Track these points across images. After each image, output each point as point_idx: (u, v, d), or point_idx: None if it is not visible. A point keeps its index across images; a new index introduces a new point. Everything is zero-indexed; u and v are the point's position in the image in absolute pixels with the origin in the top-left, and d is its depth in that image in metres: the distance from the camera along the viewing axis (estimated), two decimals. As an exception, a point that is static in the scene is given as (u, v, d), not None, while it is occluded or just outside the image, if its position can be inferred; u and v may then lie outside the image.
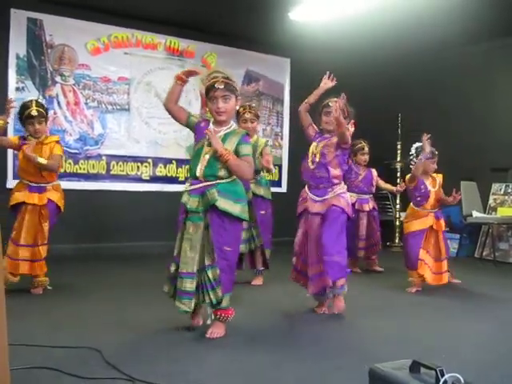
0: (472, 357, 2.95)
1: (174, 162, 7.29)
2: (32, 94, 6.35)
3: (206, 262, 3.09)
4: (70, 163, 6.59)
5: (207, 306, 3.18)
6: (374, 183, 6.00)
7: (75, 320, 3.54)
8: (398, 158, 8.03)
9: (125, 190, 6.98)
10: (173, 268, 3.18)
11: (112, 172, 6.93)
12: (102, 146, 6.87)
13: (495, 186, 7.36)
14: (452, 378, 1.78)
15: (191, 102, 7.34)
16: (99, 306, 3.96)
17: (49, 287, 4.39)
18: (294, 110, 8.24)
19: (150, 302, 4.05)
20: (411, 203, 4.96)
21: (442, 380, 1.77)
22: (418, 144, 4.87)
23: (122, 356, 2.75)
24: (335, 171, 3.77)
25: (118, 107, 7.00)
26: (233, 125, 3.25)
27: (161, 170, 7.27)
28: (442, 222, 4.90)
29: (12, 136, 4.42)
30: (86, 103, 6.78)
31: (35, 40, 6.43)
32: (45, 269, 4.34)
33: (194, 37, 7.46)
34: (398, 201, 8.00)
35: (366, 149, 5.94)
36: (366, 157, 5.96)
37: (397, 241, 7.96)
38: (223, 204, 3.09)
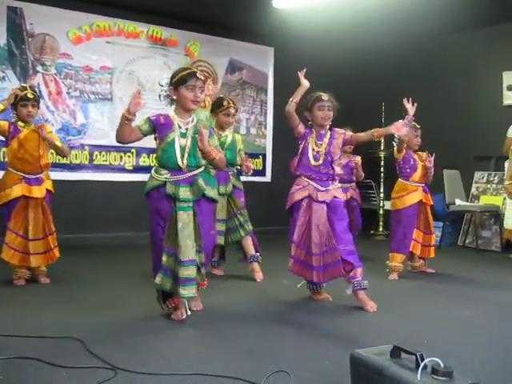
0: (454, 342, 2.98)
1: (157, 151, 7.25)
2: (13, 83, 6.26)
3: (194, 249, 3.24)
4: (52, 153, 6.51)
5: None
6: (355, 171, 5.90)
7: (57, 310, 3.52)
8: (382, 147, 8.05)
9: (108, 180, 6.93)
10: (164, 258, 3.19)
11: (95, 162, 6.87)
12: (85, 136, 6.81)
13: (478, 175, 7.41)
14: (431, 363, 1.80)
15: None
16: (81, 296, 3.95)
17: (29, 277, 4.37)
18: (278, 99, 8.28)
19: (133, 292, 4.05)
20: (399, 178, 4.99)
21: (421, 364, 1.78)
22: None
23: (104, 345, 2.75)
24: (339, 170, 3.91)
25: (101, 97, 6.93)
26: (193, 116, 3.34)
27: (144, 160, 7.22)
28: (429, 196, 4.99)
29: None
30: (68, 93, 6.71)
31: (15, 29, 6.34)
32: (57, 255, 4.38)
33: (177, 25, 7.40)
34: (381, 189, 8.04)
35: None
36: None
37: (381, 229, 8.00)
38: (209, 191, 3.28)
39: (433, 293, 4.35)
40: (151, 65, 7.24)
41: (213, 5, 6.75)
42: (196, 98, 3.24)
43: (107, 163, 6.96)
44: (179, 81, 3.24)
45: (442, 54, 7.75)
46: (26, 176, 4.23)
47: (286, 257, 3.97)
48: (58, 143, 4.34)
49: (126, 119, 3.17)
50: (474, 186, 7.40)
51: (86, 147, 6.80)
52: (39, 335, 2.89)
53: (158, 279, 3.20)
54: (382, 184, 8.06)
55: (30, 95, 4.23)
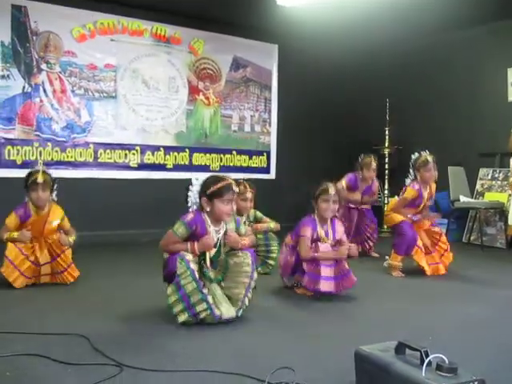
0: (459, 339, 2.98)
1: (161, 149, 7.26)
2: (17, 81, 6.29)
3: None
4: (57, 151, 6.54)
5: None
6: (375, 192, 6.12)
7: (63, 307, 3.54)
8: (387, 144, 8.04)
9: (113, 178, 6.93)
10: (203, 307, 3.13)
11: (99, 160, 6.88)
12: (89, 134, 6.81)
13: (482, 171, 7.39)
14: (436, 359, 1.80)
15: (178, 88, 7.33)
16: (87, 293, 3.96)
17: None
18: (282, 97, 8.29)
19: (138, 290, 4.06)
20: (397, 202, 5.01)
21: (426, 360, 1.78)
22: (416, 155, 4.91)
23: (110, 342, 2.76)
24: None
25: (105, 94, 6.94)
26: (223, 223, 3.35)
27: (149, 158, 7.22)
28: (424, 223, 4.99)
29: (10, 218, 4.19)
30: (73, 91, 6.71)
31: (20, 27, 6.35)
32: (70, 278, 4.27)
33: (181, 23, 7.39)
34: (386, 186, 8.03)
35: (374, 165, 5.89)
36: (373, 174, 5.94)
37: (385, 226, 7.98)
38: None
39: (437, 289, 4.34)
40: (155, 62, 7.25)
41: (216, 2, 6.74)
42: (231, 211, 3.28)
43: (112, 161, 6.97)
44: (215, 193, 3.21)
45: (446, 50, 7.72)
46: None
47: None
48: (71, 241, 4.36)
49: (193, 252, 3.20)
50: (478, 182, 7.38)
51: (91, 145, 6.80)
52: (45, 332, 2.89)
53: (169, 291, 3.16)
54: (386, 181, 8.05)
55: (39, 180, 4.12)
